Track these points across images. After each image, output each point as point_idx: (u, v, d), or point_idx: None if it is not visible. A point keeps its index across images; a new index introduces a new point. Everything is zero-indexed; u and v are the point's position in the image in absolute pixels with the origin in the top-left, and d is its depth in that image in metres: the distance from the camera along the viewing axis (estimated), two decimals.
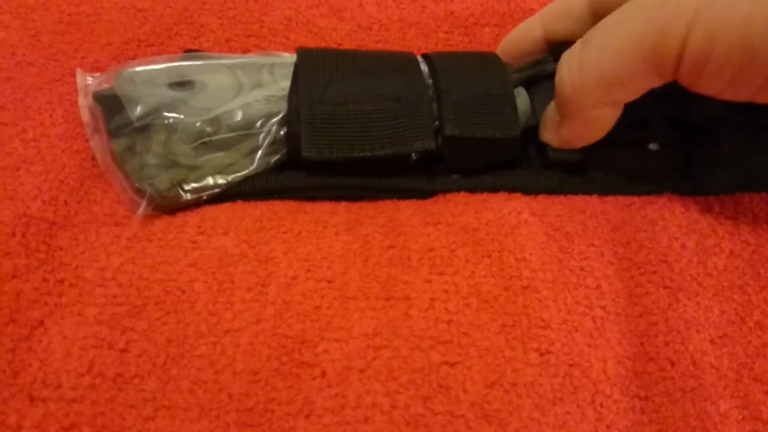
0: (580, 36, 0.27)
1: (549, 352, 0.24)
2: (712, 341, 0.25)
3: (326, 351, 0.24)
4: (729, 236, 0.29)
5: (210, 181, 0.28)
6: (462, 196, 0.29)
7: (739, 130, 0.31)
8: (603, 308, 0.26)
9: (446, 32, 0.38)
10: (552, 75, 0.29)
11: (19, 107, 0.30)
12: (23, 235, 0.26)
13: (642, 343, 0.25)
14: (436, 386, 0.23)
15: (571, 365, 0.24)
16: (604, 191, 0.30)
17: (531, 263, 0.26)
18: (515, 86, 0.30)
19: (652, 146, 0.31)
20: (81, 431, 0.21)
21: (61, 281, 0.25)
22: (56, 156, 0.29)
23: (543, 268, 0.26)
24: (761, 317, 0.26)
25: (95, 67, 0.33)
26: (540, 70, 0.31)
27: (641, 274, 0.27)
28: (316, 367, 0.23)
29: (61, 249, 0.26)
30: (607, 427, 0.22)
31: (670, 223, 0.29)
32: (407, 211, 0.28)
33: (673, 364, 0.25)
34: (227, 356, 0.23)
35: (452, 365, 0.23)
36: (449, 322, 0.24)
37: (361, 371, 0.23)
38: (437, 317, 0.25)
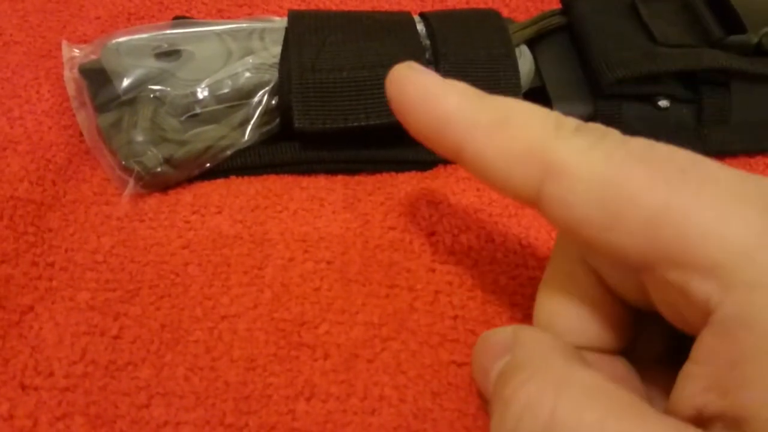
0: None
1: None
2: None
3: (328, 332, 0.23)
4: None
5: (200, 156, 0.27)
6: (463, 170, 0.28)
7: (750, 82, 0.29)
8: None
9: None
10: (559, 30, 0.28)
11: (6, 86, 0.29)
12: (11, 218, 0.25)
13: None
14: (446, 383, 0.22)
15: None
16: None
17: (537, 249, 0.25)
18: (518, 45, 0.29)
19: (662, 103, 0.30)
20: (74, 420, 0.21)
21: (51, 264, 0.24)
22: (43, 134, 0.28)
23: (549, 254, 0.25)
24: None
25: (83, 41, 0.32)
26: (545, 25, 0.29)
27: None
28: (318, 348, 0.23)
29: (50, 231, 0.25)
30: None
31: None
32: (406, 187, 0.27)
33: None
34: (224, 342, 0.23)
35: (460, 365, 0.22)
36: (455, 318, 0.23)
37: (369, 361, 0.22)
38: (442, 312, 0.24)
